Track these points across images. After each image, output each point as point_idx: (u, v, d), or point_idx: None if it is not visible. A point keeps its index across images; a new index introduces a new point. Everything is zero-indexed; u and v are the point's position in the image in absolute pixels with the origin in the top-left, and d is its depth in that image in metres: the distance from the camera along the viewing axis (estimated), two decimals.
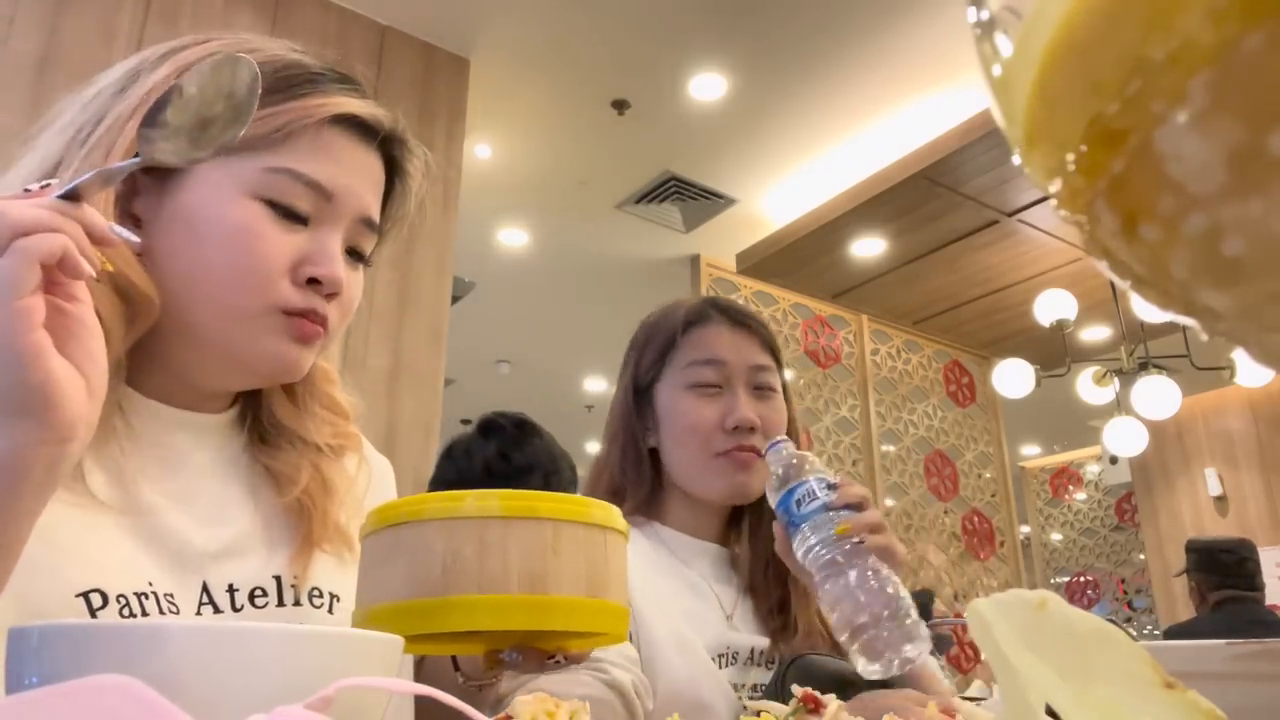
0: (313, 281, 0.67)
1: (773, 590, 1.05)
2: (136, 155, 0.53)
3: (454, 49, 3.13)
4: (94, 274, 0.49)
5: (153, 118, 0.53)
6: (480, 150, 3.71)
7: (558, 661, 0.60)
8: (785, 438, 0.95)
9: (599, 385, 6.57)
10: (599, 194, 4.06)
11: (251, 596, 0.67)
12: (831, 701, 0.48)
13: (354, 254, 0.73)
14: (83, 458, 0.59)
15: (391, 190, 0.79)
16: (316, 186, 0.67)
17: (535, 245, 4.56)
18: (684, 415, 1.06)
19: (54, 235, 0.46)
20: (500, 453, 1.78)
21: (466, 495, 0.49)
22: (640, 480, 1.08)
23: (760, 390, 1.08)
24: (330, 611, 0.71)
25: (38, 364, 0.45)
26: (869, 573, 0.82)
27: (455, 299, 3.60)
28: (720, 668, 0.96)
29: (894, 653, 0.77)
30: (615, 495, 1.08)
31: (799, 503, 0.88)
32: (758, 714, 0.47)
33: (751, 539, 1.09)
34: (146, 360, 0.67)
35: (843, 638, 0.80)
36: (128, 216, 0.66)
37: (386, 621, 0.48)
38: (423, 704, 0.75)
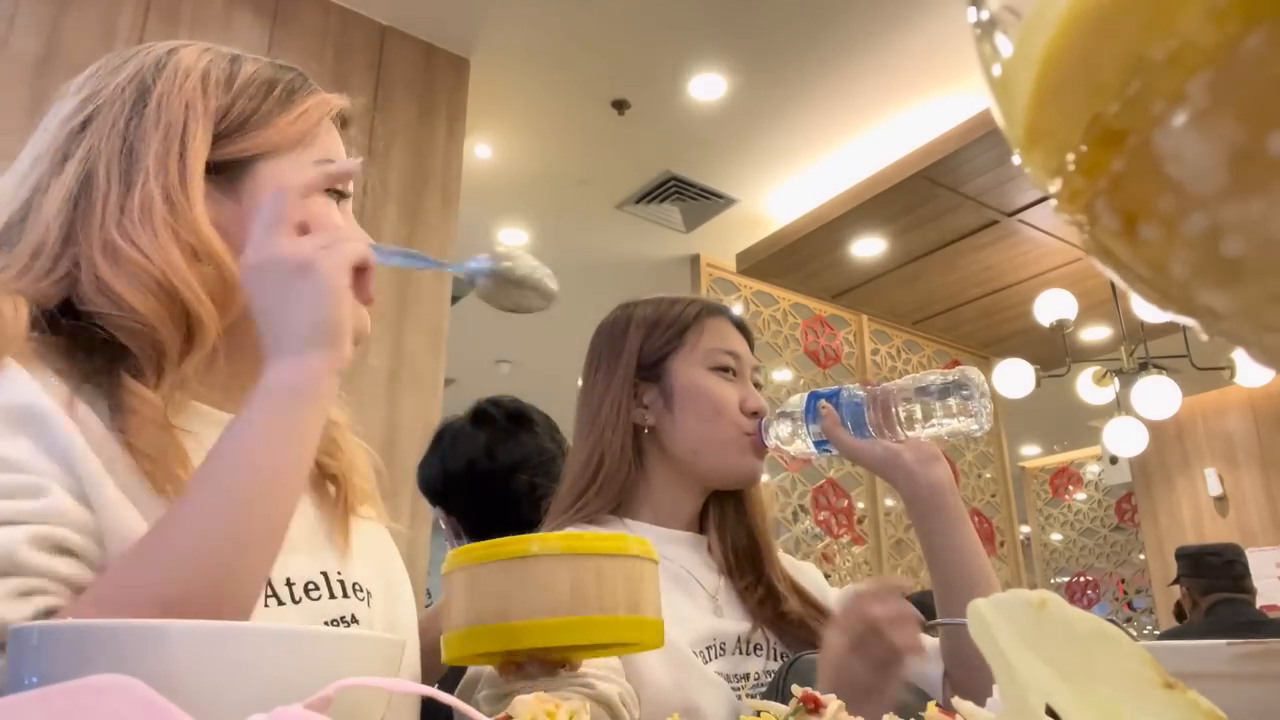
0: None
1: (749, 573, 1.08)
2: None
3: (454, 49, 3.13)
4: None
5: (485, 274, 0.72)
6: (480, 150, 3.71)
7: (565, 668, 0.68)
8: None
9: (592, 379, 6.54)
10: (599, 194, 4.06)
11: (306, 589, 0.70)
12: (831, 702, 0.48)
13: None
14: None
15: None
16: (344, 171, 0.75)
17: (535, 245, 4.56)
18: (711, 391, 1.08)
19: (369, 250, 0.65)
20: (487, 448, 1.69)
21: (579, 536, 0.63)
22: (621, 463, 1.07)
23: (758, 386, 1.14)
24: (369, 605, 0.75)
25: (344, 307, 0.60)
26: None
27: (455, 299, 3.59)
28: (708, 660, 0.96)
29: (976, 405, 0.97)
30: (590, 484, 1.07)
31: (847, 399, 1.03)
32: (758, 714, 0.47)
33: (720, 526, 1.12)
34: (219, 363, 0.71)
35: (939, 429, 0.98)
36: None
37: (507, 635, 0.60)
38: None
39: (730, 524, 1.12)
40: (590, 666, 0.82)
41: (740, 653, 1.00)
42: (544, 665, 0.66)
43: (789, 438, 1.07)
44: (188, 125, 0.68)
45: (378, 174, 2.78)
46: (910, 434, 0.99)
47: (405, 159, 2.90)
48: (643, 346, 1.12)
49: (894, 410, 0.99)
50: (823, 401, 1.04)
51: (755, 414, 1.08)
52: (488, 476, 1.65)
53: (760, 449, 1.07)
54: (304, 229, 0.63)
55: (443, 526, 1.79)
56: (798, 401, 1.07)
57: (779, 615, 1.04)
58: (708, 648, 0.98)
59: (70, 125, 0.68)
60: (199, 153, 0.67)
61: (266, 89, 0.72)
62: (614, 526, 1.06)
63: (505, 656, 0.66)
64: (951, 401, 0.97)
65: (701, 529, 1.12)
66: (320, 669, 0.34)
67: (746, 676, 0.99)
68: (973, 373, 0.98)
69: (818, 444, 1.04)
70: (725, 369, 1.10)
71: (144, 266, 0.63)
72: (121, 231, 0.64)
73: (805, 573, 1.16)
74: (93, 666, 0.29)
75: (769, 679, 0.98)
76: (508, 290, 0.72)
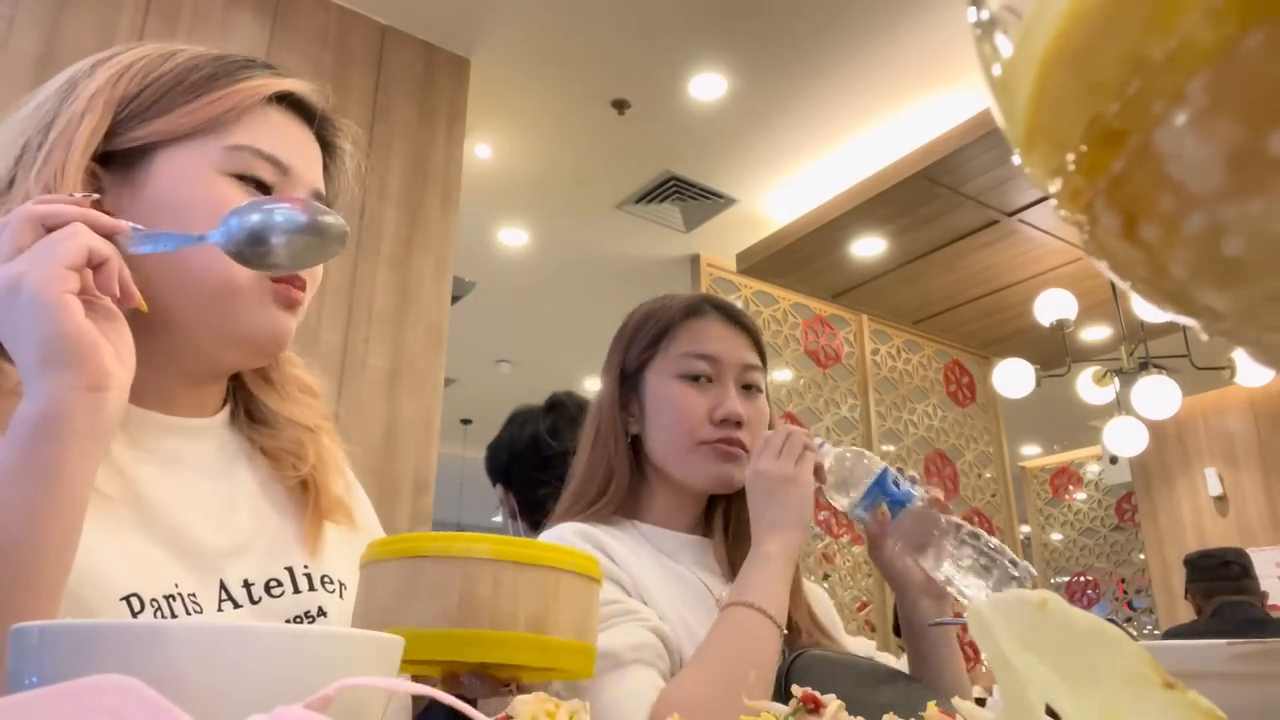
0: None
1: None
2: (96, 192, 0.63)
3: (454, 49, 3.13)
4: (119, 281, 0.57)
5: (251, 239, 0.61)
6: (480, 150, 3.71)
7: (511, 690, 0.62)
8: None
9: (599, 385, 6.54)
10: (599, 194, 4.06)
11: (268, 588, 0.69)
12: (831, 701, 0.48)
13: None
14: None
15: (327, 167, 0.83)
16: (274, 160, 0.71)
17: (535, 245, 4.56)
18: (672, 401, 1.07)
19: (102, 242, 0.55)
20: (553, 428, 1.85)
21: (484, 539, 0.55)
22: (624, 472, 1.09)
23: (748, 389, 1.11)
24: (341, 597, 0.73)
25: (70, 317, 0.52)
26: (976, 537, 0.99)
27: (455, 299, 3.59)
28: None
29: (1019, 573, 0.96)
30: (599, 495, 1.08)
31: (896, 484, 1.02)
32: (758, 714, 0.47)
33: (726, 528, 1.12)
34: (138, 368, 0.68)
35: (986, 583, 0.96)
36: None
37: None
38: None
39: (733, 526, 1.11)
40: (636, 605, 0.90)
41: None
42: (487, 682, 0.60)
43: (836, 489, 1.05)
44: (84, 115, 0.67)
45: (378, 174, 2.78)
46: (933, 565, 1.00)
47: (405, 159, 2.90)
48: (625, 355, 1.14)
49: (943, 546, 0.99)
50: (884, 510, 1.02)
51: (726, 421, 1.06)
52: (548, 455, 1.77)
53: (729, 455, 1.06)
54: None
55: (500, 506, 1.94)
56: (869, 468, 1.04)
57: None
58: None
59: (17, 123, 0.70)
60: (85, 142, 0.66)
61: (179, 78, 0.70)
62: (625, 529, 1.06)
63: (444, 668, 0.62)
64: (994, 575, 0.96)
65: (709, 531, 1.13)
66: (320, 669, 0.34)
67: None
68: (1028, 572, 0.97)
69: (854, 513, 1.05)
70: (696, 376, 1.08)
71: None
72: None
73: (815, 595, 1.15)
74: (93, 666, 0.29)
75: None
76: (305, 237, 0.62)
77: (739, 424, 1.07)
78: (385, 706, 0.39)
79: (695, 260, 4.48)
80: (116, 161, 0.69)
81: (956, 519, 1.00)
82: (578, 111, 3.50)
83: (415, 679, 0.75)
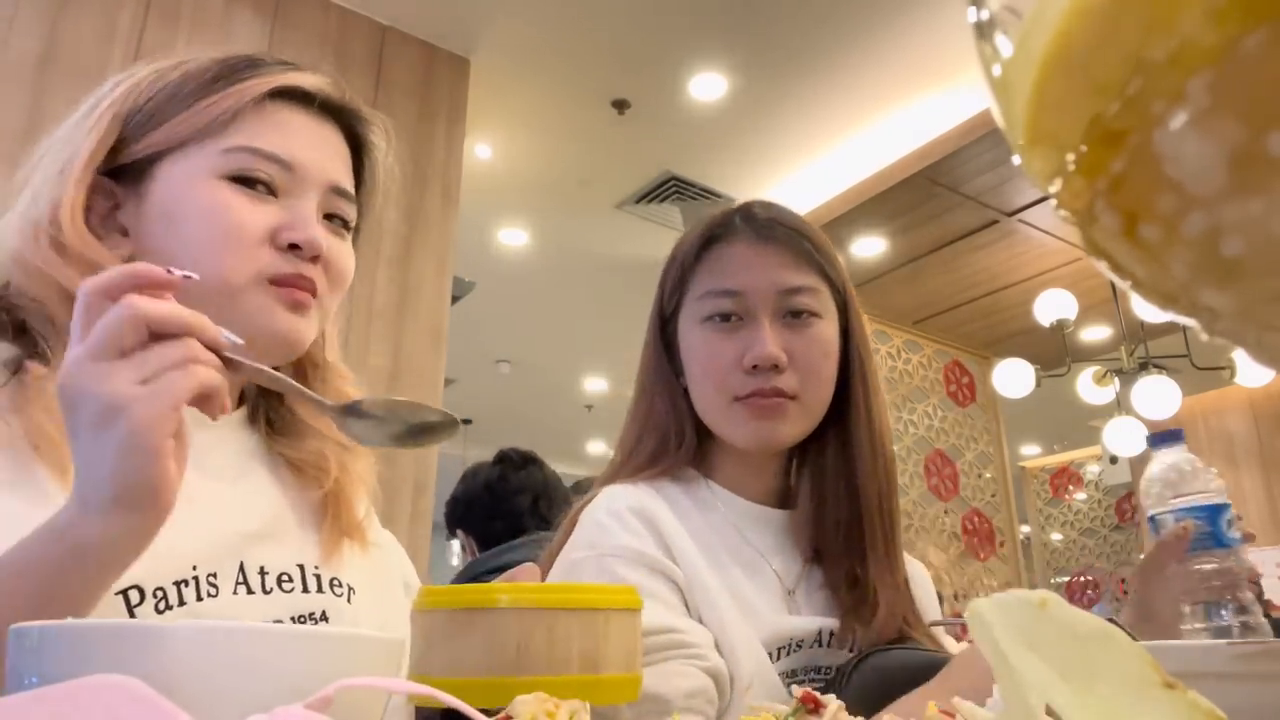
0: (294, 248, 0.69)
1: (847, 557, 0.90)
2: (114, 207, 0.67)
3: (454, 49, 3.13)
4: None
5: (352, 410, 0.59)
6: (480, 150, 3.71)
7: None
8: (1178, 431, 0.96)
9: (599, 385, 6.56)
10: (599, 194, 4.06)
11: (279, 580, 0.69)
12: (831, 702, 0.48)
13: (336, 222, 0.75)
14: None
15: (360, 161, 0.82)
16: (274, 158, 0.69)
17: (535, 245, 4.56)
18: (698, 353, 0.91)
19: (214, 373, 0.52)
20: (502, 474, 2.20)
21: (533, 589, 0.58)
22: (683, 428, 0.93)
23: (796, 316, 0.90)
24: (349, 601, 0.73)
25: (161, 464, 0.49)
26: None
27: (455, 299, 3.59)
28: (775, 660, 0.85)
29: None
30: (661, 446, 0.94)
31: (1229, 524, 0.92)
32: (758, 714, 0.47)
33: (815, 496, 0.92)
34: None
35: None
36: (116, 230, 0.69)
37: (458, 691, 0.54)
38: None
39: (829, 492, 0.92)
40: (694, 636, 0.78)
41: (820, 645, 0.88)
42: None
43: (1155, 496, 0.96)
44: (91, 131, 0.68)
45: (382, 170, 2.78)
46: (1192, 615, 0.92)
47: (405, 159, 2.90)
48: (661, 299, 0.97)
49: (1221, 609, 0.91)
50: (1188, 525, 0.92)
51: (758, 368, 0.87)
52: (500, 496, 2.16)
53: (766, 410, 0.88)
54: (135, 334, 0.50)
55: (462, 548, 2.32)
56: (1214, 489, 0.94)
57: (872, 616, 0.87)
58: (779, 648, 0.86)
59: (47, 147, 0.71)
60: (89, 160, 0.67)
61: (179, 87, 0.70)
62: (697, 487, 0.93)
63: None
64: (1234, 626, 0.90)
65: (788, 496, 0.96)
66: (320, 669, 0.34)
67: (819, 670, 0.87)
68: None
69: (1157, 514, 0.96)
70: (723, 316, 0.90)
71: (40, 270, 0.64)
72: (25, 242, 0.65)
73: (915, 577, 0.98)
74: (93, 666, 0.29)
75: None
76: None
77: (775, 367, 0.87)
78: (385, 706, 0.39)
79: None
80: (127, 175, 0.69)
81: (1252, 594, 0.90)
82: (578, 111, 3.50)
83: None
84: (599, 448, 8.20)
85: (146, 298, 0.50)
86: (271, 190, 0.69)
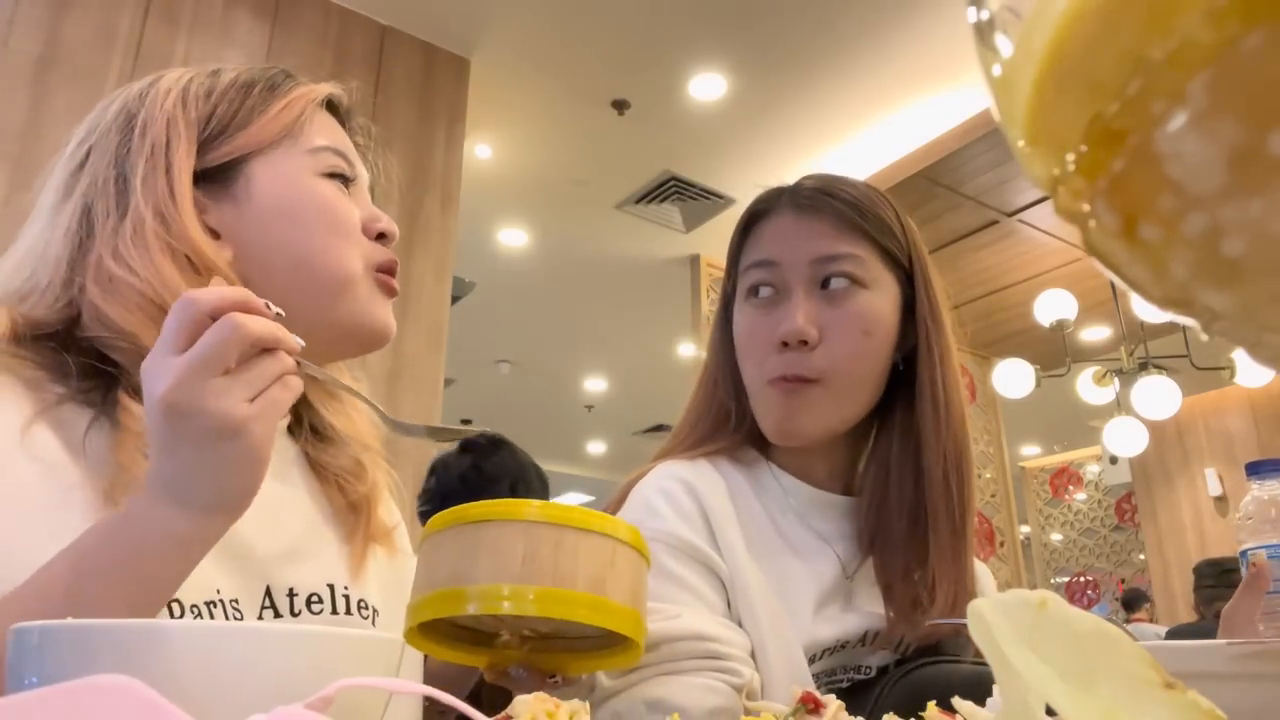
0: (381, 236, 0.74)
1: (905, 551, 0.84)
2: (200, 210, 0.68)
3: (454, 49, 3.13)
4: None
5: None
6: (480, 150, 3.71)
7: (556, 682, 0.63)
8: None
9: (599, 385, 6.56)
10: (599, 194, 4.06)
11: (309, 602, 0.69)
12: (831, 702, 0.48)
13: None
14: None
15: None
16: (345, 157, 0.74)
17: (535, 245, 4.56)
18: (740, 331, 0.87)
19: (300, 384, 0.56)
20: (474, 465, 2.07)
21: (546, 505, 0.58)
22: (744, 410, 0.88)
23: (830, 285, 0.83)
24: (374, 624, 0.74)
25: (263, 473, 0.54)
26: None
27: (455, 299, 3.59)
28: (815, 661, 0.81)
29: None
30: (720, 424, 0.91)
31: None
32: (758, 714, 0.47)
33: (878, 482, 0.86)
34: None
35: None
36: (205, 230, 0.69)
37: (453, 601, 0.55)
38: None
39: (893, 478, 0.85)
40: (730, 646, 0.73)
41: (864, 645, 0.84)
42: (534, 674, 0.62)
43: (1249, 530, 0.84)
44: (170, 141, 0.68)
45: (377, 174, 2.78)
46: (1262, 620, 0.82)
47: (405, 159, 2.90)
48: (726, 279, 0.94)
49: None
50: (1264, 564, 0.81)
51: (786, 344, 0.81)
52: (476, 486, 2.02)
53: (789, 393, 0.82)
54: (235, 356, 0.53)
55: None
56: None
57: (924, 614, 0.82)
58: (824, 650, 0.82)
59: (70, 166, 0.70)
60: (184, 165, 0.67)
61: (245, 90, 0.72)
62: (758, 470, 0.89)
63: (490, 659, 0.63)
64: None
65: (853, 482, 0.90)
66: (320, 669, 0.34)
67: (860, 669, 0.84)
68: None
69: (1252, 550, 0.84)
70: (760, 289, 0.86)
71: (134, 285, 0.63)
72: (116, 256, 0.64)
73: (980, 577, 0.93)
74: (93, 666, 0.29)
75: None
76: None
77: (804, 342, 0.81)
78: (385, 706, 0.39)
79: (695, 260, 4.48)
80: (209, 179, 0.70)
81: None
82: (577, 111, 3.50)
83: (453, 670, 0.75)
84: (599, 448, 8.19)
85: (248, 315, 0.53)
86: (347, 185, 0.74)
